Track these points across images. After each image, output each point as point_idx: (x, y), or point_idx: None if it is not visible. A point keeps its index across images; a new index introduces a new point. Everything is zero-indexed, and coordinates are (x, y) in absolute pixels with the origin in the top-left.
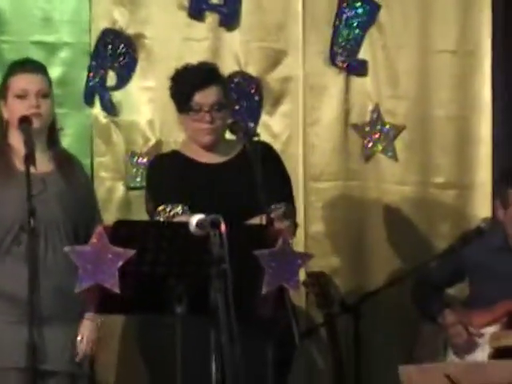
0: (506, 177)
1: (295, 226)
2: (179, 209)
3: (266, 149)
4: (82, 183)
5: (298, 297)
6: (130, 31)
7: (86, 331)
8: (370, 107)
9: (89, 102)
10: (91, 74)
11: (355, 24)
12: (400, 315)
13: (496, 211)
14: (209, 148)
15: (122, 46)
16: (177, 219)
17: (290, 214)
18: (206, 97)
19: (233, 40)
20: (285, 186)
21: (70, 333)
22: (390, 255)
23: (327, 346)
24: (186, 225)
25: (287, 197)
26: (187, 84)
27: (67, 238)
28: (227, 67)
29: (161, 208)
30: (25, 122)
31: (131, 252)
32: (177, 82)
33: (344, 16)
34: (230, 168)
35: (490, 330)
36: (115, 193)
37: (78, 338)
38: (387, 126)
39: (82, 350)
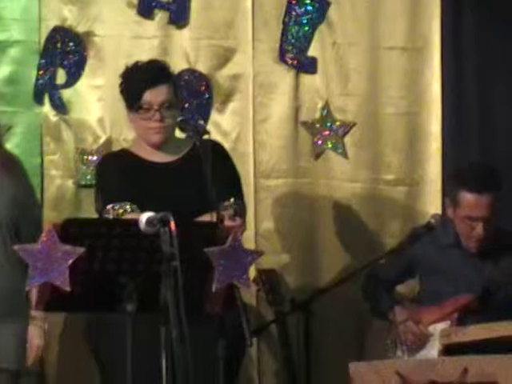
0: (457, 176)
1: (244, 223)
2: (128, 207)
3: (216, 147)
4: (22, 183)
5: (249, 294)
6: (80, 29)
7: (34, 338)
8: (320, 104)
9: (38, 100)
10: (41, 72)
11: (305, 21)
12: (350, 312)
13: (446, 209)
14: (158, 147)
15: (72, 43)
16: (126, 217)
17: (240, 211)
18: (155, 95)
19: (182, 38)
20: (235, 184)
21: (16, 331)
22: (341, 252)
23: (277, 343)
24: (136, 222)
25: (237, 194)
26: (137, 82)
27: (9, 238)
28: (177, 65)
29: (109, 206)
30: None
31: (81, 250)
32: (127, 80)
33: (293, 13)
34: (180, 166)
35: (440, 326)
36: (65, 191)
37: (27, 345)
38: (337, 124)
39: (32, 356)
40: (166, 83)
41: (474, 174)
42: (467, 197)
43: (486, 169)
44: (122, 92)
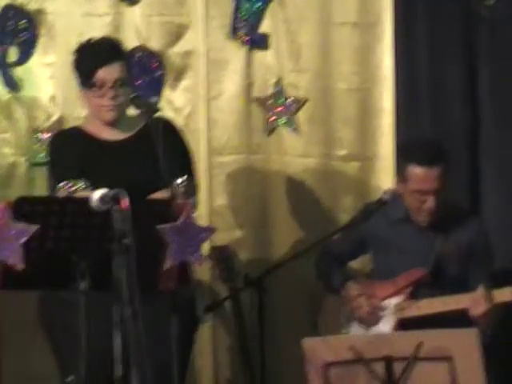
0: (404, 151)
1: (197, 201)
2: (80, 185)
3: (168, 124)
4: None
5: (202, 271)
6: (31, 7)
7: None
8: (272, 81)
9: None
10: None
11: None
12: (304, 288)
13: (396, 184)
14: (111, 124)
15: (23, 21)
16: (78, 195)
17: (193, 188)
18: (109, 73)
19: (134, 15)
20: (187, 161)
21: None
22: (294, 228)
23: (231, 319)
24: (88, 200)
25: (189, 171)
26: (91, 59)
27: None
28: (129, 42)
29: (62, 184)
30: None
31: (34, 228)
32: (80, 58)
33: None
34: (132, 144)
35: (394, 301)
36: (18, 169)
37: None
38: (289, 100)
39: None
40: (119, 61)
41: (421, 147)
42: (416, 170)
43: (434, 143)
44: (75, 69)
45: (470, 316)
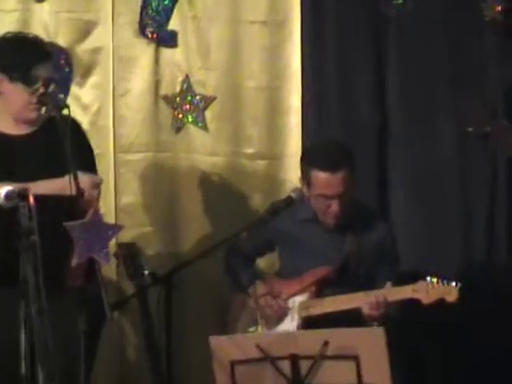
0: (307, 156)
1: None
2: None
3: (74, 121)
4: None
5: (109, 268)
6: None
7: None
8: (180, 78)
9: None
10: None
11: None
12: (212, 285)
13: (302, 187)
14: (31, 122)
15: None
16: None
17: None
18: (46, 70)
19: (42, 11)
20: (89, 156)
21: None
22: (203, 226)
23: (138, 317)
24: None
25: (93, 166)
26: (29, 54)
27: None
28: None
29: None
30: None
31: None
32: (10, 52)
33: None
34: (36, 139)
35: (299, 299)
36: None
37: None
38: (197, 97)
39: None
40: (52, 60)
41: (324, 152)
42: (319, 176)
43: (337, 146)
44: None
45: (363, 313)
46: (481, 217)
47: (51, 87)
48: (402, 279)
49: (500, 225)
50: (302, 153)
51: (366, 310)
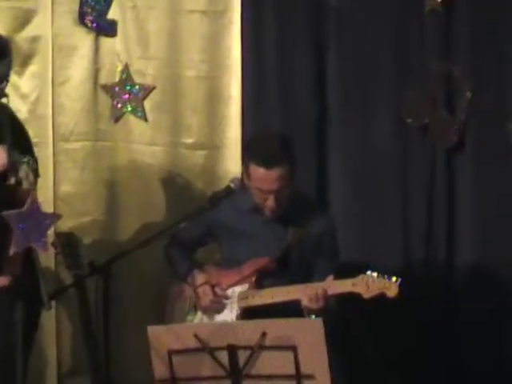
0: (248, 149)
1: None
2: None
3: (12, 110)
4: None
5: (47, 257)
6: None
7: None
8: (120, 67)
9: None
10: None
11: None
12: (151, 275)
13: (243, 176)
14: None
15: None
16: None
17: (35, 167)
18: (2, 68)
19: None
20: (25, 140)
21: None
22: (142, 215)
23: (76, 306)
24: None
25: (30, 150)
26: None
27: None
28: None
29: None
30: None
31: None
32: None
33: None
34: None
35: (238, 289)
36: None
37: None
38: (137, 87)
39: None
40: (8, 57)
41: (263, 148)
42: (256, 171)
43: (278, 141)
44: None
45: (302, 305)
46: (420, 208)
47: (3, 84)
48: (343, 272)
49: (439, 217)
50: (244, 145)
51: (305, 303)
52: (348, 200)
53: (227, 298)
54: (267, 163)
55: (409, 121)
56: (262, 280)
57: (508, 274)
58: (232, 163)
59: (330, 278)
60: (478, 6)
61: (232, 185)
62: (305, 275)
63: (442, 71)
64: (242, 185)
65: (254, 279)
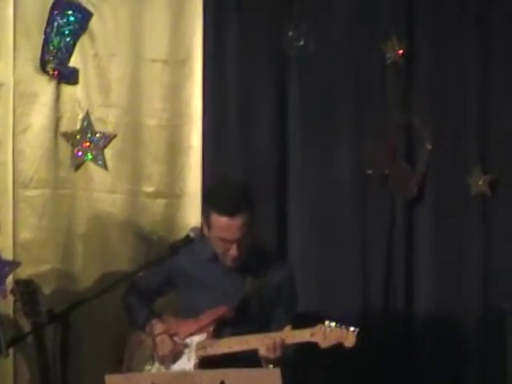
0: (208, 199)
1: None
2: None
3: None
4: None
5: (6, 304)
6: None
7: None
8: (81, 115)
9: None
10: None
11: (66, 32)
12: (110, 323)
13: (203, 227)
14: None
15: None
16: None
17: None
18: None
19: None
20: None
21: None
22: (101, 263)
23: (34, 354)
24: None
25: None
26: None
27: None
28: None
29: None
30: None
31: None
32: None
33: (55, 23)
34: None
35: (196, 339)
36: None
37: None
38: (98, 135)
39: None
40: None
41: (224, 197)
42: (219, 220)
43: (238, 190)
44: None
45: (260, 355)
46: (379, 257)
47: None
48: (302, 321)
49: (398, 266)
50: (204, 195)
51: (262, 352)
52: (308, 248)
53: (185, 347)
54: (230, 212)
55: (369, 171)
56: (221, 329)
57: (466, 321)
58: (192, 212)
59: (288, 327)
60: (438, 58)
61: (191, 234)
62: (264, 325)
63: (403, 122)
64: (202, 234)
65: (212, 329)
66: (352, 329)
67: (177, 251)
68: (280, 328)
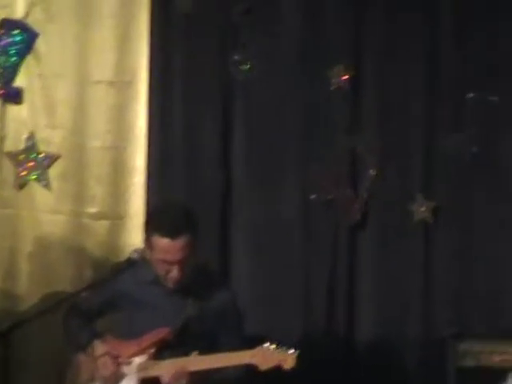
0: (150, 221)
1: None
2: None
3: None
4: None
5: None
6: None
7: None
8: (25, 135)
9: None
10: None
11: (12, 52)
12: (52, 343)
13: (145, 249)
14: None
15: None
16: None
17: None
18: None
19: None
20: None
21: None
22: (43, 283)
23: None
24: None
25: None
26: None
27: None
28: None
29: None
30: None
31: None
32: None
33: (1, 43)
34: None
35: (138, 360)
36: None
37: None
38: (42, 155)
39: None
40: None
41: (166, 218)
42: (160, 242)
43: (180, 212)
44: None
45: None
46: (321, 283)
47: None
48: (244, 344)
49: (340, 292)
50: (146, 216)
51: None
52: (250, 273)
53: (127, 368)
54: (172, 233)
55: (312, 197)
56: (162, 351)
57: (406, 347)
58: (135, 234)
59: (195, 353)
60: (383, 84)
61: (134, 256)
62: (206, 347)
63: (347, 148)
64: (144, 256)
65: (153, 350)
66: (291, 351)
67: (119, 273)
68: (225, 350)
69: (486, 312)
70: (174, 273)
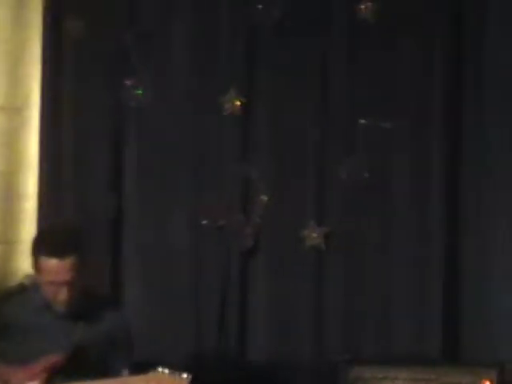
0: (36, 242)
1: None
2: None
3: None
4: None
5: None
6: None
7: None
8: None
9: None
10: None
11: None
12: None
13: (33, 272)
14: None
15: None
16: None
17: None
18: None
19: None
20: None
21: None
22: None
23: None
24: None
25: None
26: None
27: None
28: None
29: None
30: None
31: None
32: None
33: None
34: None
35: None
36: None
37: None
38: None
39: None
40: None
41: (51, 239)
42: (48, 263)
43: (67, 232)
44: None
45: None
46: (213, 308)
47: None
48: (137, 368)
49: (232, 317)
50: (32, 241)
51: None
52: (141, 298)
53: None
54: (59, 253)
55: (204, 222)
56: (53, 377)
57: (299, 373)
58: (26, 259)
59: (126, 373)
60: (277, 109)
61: (25, 281)
62: (98, 371)
63: (239, 174)
64: (36, 281)
65: (44, 377)
66: (185, 375)
67: (9, 299)
68: (117, 374)
69: (377, 337)
70: (64, 294)
